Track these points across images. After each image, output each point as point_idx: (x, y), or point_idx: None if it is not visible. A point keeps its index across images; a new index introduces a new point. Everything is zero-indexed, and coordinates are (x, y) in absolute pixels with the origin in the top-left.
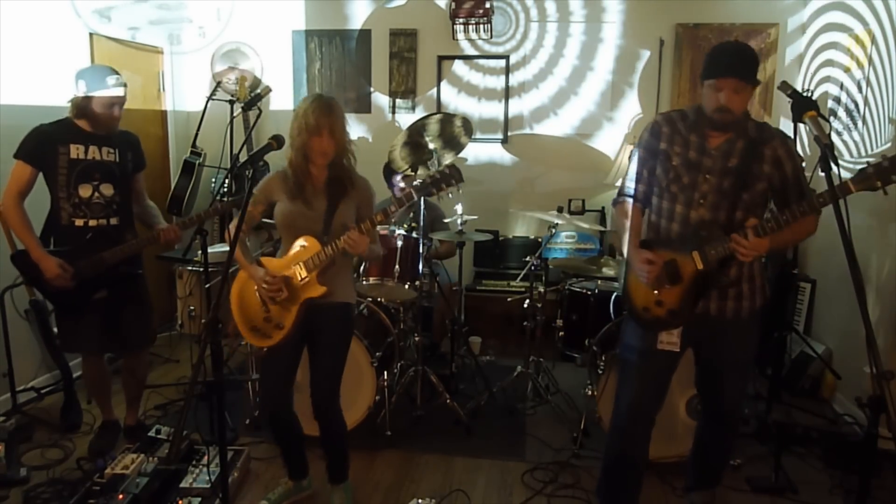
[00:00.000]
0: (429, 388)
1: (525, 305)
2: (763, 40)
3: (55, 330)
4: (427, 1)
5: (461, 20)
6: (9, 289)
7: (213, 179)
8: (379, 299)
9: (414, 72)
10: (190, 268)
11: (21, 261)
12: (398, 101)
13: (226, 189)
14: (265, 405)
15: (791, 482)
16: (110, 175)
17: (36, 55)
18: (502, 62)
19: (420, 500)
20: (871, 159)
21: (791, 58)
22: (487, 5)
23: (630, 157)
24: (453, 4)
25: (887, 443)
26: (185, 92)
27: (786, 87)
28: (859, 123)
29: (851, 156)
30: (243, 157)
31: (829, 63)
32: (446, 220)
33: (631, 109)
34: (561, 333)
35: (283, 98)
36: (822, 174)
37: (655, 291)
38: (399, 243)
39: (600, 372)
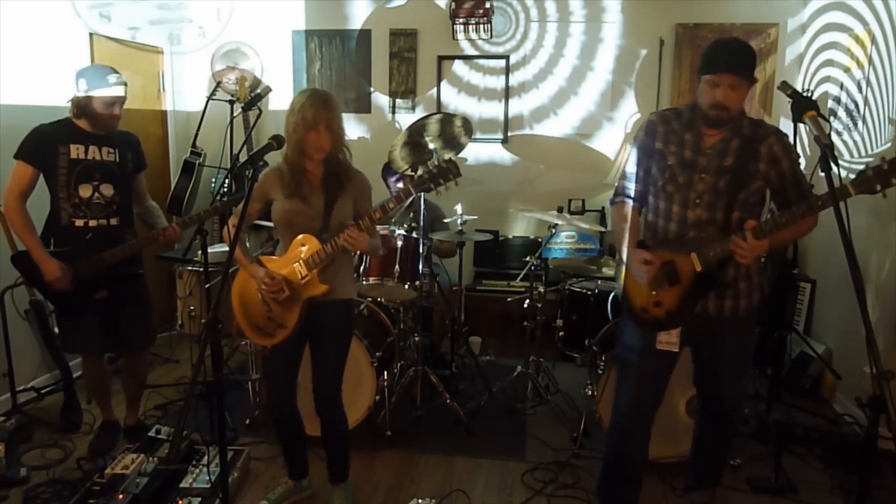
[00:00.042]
0: (429, 388)
1: (525, 305)
2: (763, 40)
3: (56, 330)
4: (427, 1)
5: (461, 20)
6: (9, 289)
7: (213, 179)
8: (379, 299)
9: (414, 72)
10: (190, 268)
11: (21, 262)
12: (398, 101)
13: (226, 189)
14: (271, 403)
15: (791, 482)
16: (110, 175)
17: (36, 55)
18: (502, 62)
19: (420, 500)
20: (870, 159)
21: (791, 58)
22: (487, 5)
23: (626, 157)
24: (453, 4)
25: (887, 443)
26: (185, 92)
27: (786, 87)
28: (859, 123)
29: (851, 156)
30: (243, 157)
31: (829, 63)
32: (446, 220)
33: (631, 109)
34: (561, 333)
35: (283, 98)
36: (822, 174)
37: (654, 292)
38: (399, 243)
39: (600, 372)
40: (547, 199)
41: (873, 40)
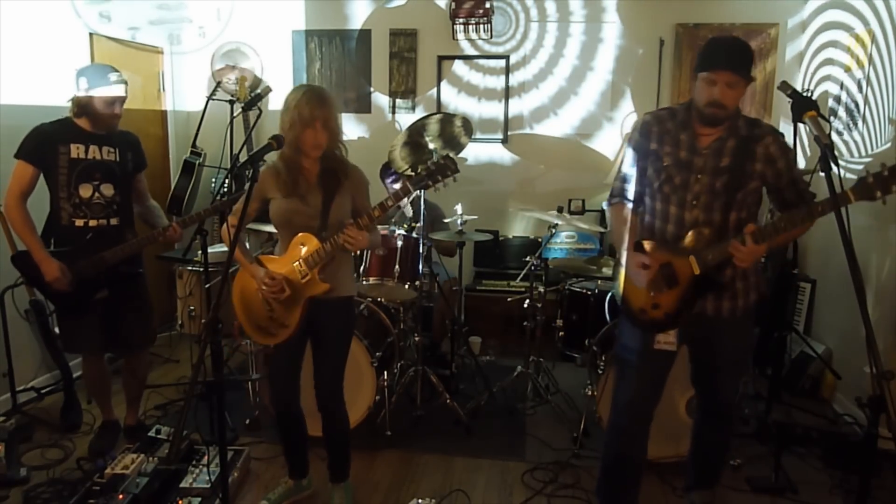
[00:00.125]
0: (429, 388)
1: (525, 305)
2: (763, 40)
3: (56, 330)
4: (427, 1)
5: (461, 20)
6: (9, 289)
7: (213, 179)
8: (379, 299)
9: (414, 72)
10: (190, 268)
11: (22, 262)
12: (398, 101)
13: (226, 189)
14: (275, 402)
15: (791, 482)
16: (111, 175)
17: (36, 55)
18: (502, 62)
19: (420, 500)
20: (870, 159)
21: (791, 58)
22: (487, 5)
23: (622, 157)
24: (453, 4)
25: (887, 443)
26: (185, 92)
27: (786, 86)
28: (859, 123)
29: (852, 156)
30: (243, 157)
31: (829, 62)
32: (446, 220)
33: (631, 109)
34: (561, 333)
35: (282, 98)
36: (822, 174)
37: (652, 294)
38: (399, 243)
39: (600, 372)
40: (547, 199)
41: (873, 39)
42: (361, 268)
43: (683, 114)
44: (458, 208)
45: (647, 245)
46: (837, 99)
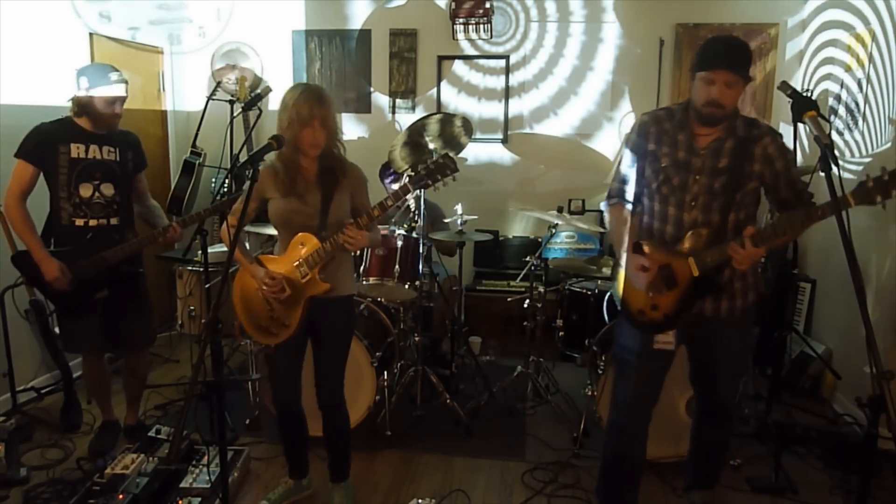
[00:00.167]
0: (429, 388)
1: (525, 305)
2: (763, 40)
3: (56, 330)
4: (427, 1)
5: (461, 20)
6: (9, 289)
7: (213, 179)
8: (379, 299)
9: (414, 72)
10: (190, 268)
11: (22, 261)
12: (398, 101)
13: (226, 189)
14: (277, 401)
15: (791, 482)
16: (111, 174)
17: (36, 55)
18: (502, 62)
19: (420, 500)
20: (870, 159)
21: (791, 57)
22: (487, 5)
23: (619, 158)
24: (453, 4)
25: (887, 443)
26: (185, 92)
27: (786, 86)
28: (860, 122)
29: (852, 155)
30: (243, 157)
31: (829, 61)
32: (446, 220)
33: (630, 109)
34: (561, 333)
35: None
36: (822, 174)
37: (650, 295)
38: (399, 243)
39: (600, 372)
40: (547, 199)
41: (874, 38)
42: (361, 268)
43: (681, 114)
44: (458, 208)
45: (645, 247)
46: (838, 98)
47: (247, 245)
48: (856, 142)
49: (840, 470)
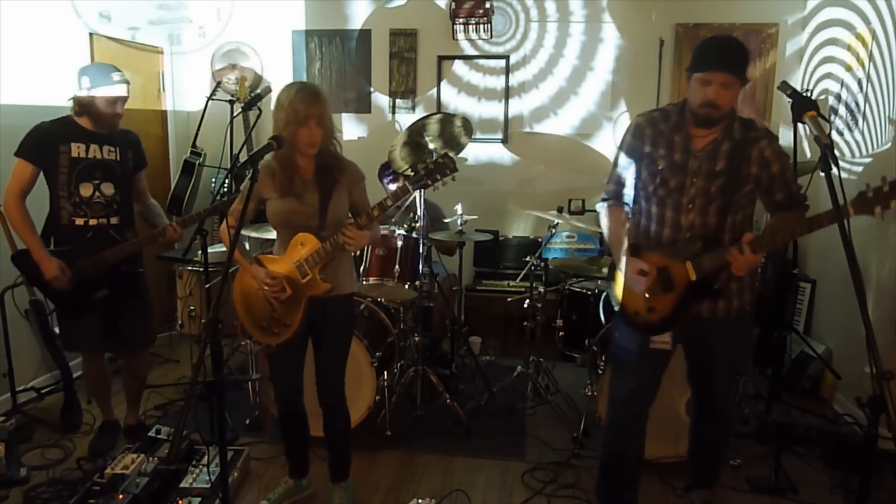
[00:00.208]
0: (429, 388)
1: (525, 305)
2: (763, 40)
3: (56, 330)
4: (427, 1)
5: (461, 20)
6: (9, 289)
7: (213, 179)
8: (379, 299)
9: (414, 72)
10: (190, 268)
11: (21, 260)
12: (398, 101)
13: (226, 189)
14: (280, 400)
15: (791, 482)
16: (111, 174)
17: (36, 55)
18: (502, 62)
19: (420, 500)
20: (870, 159)
21: (791, 58)
22: (487, 5)
23: (615, 159)
24: (453, 4)
25: (887, 443)
26: (185, 92)
27: (786, 86)
28: (860, 121)
29: (853, 156)
30: (243, 157)
31: (829, 60)
32: (446, 220)
33: (631, 110)
34: (561, 333)
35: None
36: (822, 174)
37: (647, 295)
38: (399, 243)
39: (600, 372)
40: (547, 199)
41: (874, 37)
42: (361, 268)
43: (677, 115)
44: (458, 208)
45: (643, 250)
46: (838, 97)
47: (246, 246)
48: (856, 141)
49: (840, 470)
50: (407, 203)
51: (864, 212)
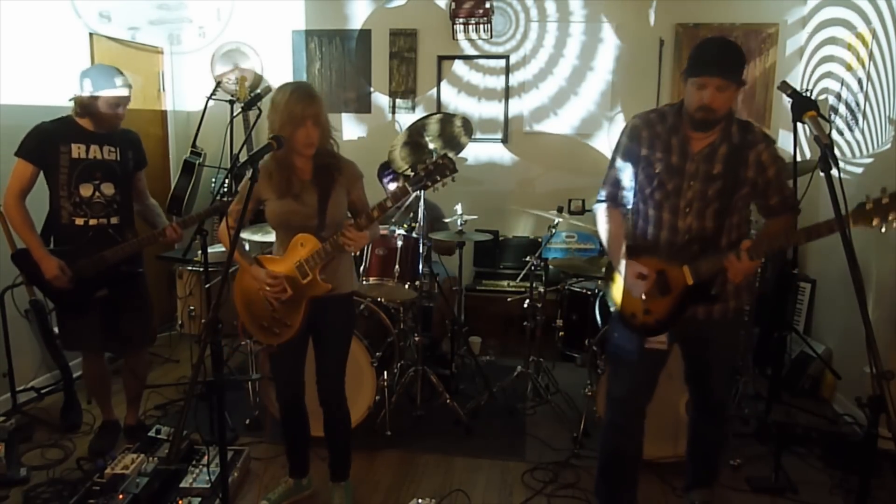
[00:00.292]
0: (429, 388)
1: (525, 305)
2: (763, 40)
3: (55, 329)
4: (427, 1)
5: (461, 20)
6: (9, 289)
7: (213, 179)
8: (379, 299)
9: (414, 72)
10: (190, 268)
11: (21, 259)
12: (398, 101)
13: (226, 189)
14: (281, 399)
15: (791, 482)
16: (111, 174)
17: (36, 55)
18: (502, 62)
19: (420, 500)
20: (871, 159)
21: (791, 58)
22: (487, 5)
23: (611, 161)
24: (453, 4)
25: (887, 443)
26: (185, 92)
27: (785, 86)
28: (860, 121)
29: (853, 155)
30: (243, 157)
31: (829, 61)
32: (446, 220)
33: (630, 109)
34: (561, 333)
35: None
36: (822, 174)
37: (643, 297)
38: (399, 243)
39: (600, 372)
40: (547, 199)
41: (874, 36)
42: (361, 268)
43: (674, 117)
44: (458, 208)
45: (641, 252)
46: (838, 96)
47: (246, 247)
48: (856, 141)
49: (840, 470)
50: (407, 203)
51: (863, 223)
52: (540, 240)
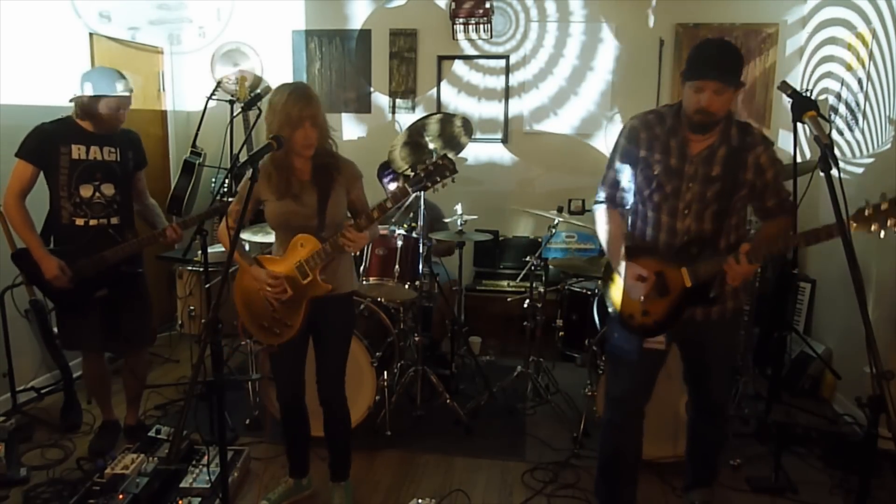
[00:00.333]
0: (429, 388)
1: (525, 305)
2: (763, 40)
3: (55, 329)
4: (427, 1)
5: (461, 20)
6: (9, 289)
7: (213, 179)
8: (379, 299)
9: (414, 72)
10: (190, 268)
11: (22, 259)
12: (398, 101)
13: (226, 189)
14: (282, 399)
15: (791, 482)
16: (111, 175)
17: (36, 55)
18: (502, 62)
19: (420, 500)
20: (871, 160)
21: (791, 57)
22: (487, 5)
23: (609, 162)
24: (453, 4)
25: (887, 443)
26: (185, 92)
27: (785, 86)
28: (860, 121)
29: (853, 155)
30: (243, 157)
31: (829, 60)
32: (446, 220)
33: (630, 109)
34: (561, 333)
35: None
36: (822, 174)
37: (641, 299)
38: (399, 243)
39: (600, 372)
40: (547, 199)
41: (874, 36)
42: (361, 268)
43: (672, 118)
44: (458, 208)
45: (639, 254)
46: (838, 96)
47: (246, 248)
48: (856, 141)
49: (840, 470)
50: (407, 202)
51: (862, 228)
52: (540, 240)
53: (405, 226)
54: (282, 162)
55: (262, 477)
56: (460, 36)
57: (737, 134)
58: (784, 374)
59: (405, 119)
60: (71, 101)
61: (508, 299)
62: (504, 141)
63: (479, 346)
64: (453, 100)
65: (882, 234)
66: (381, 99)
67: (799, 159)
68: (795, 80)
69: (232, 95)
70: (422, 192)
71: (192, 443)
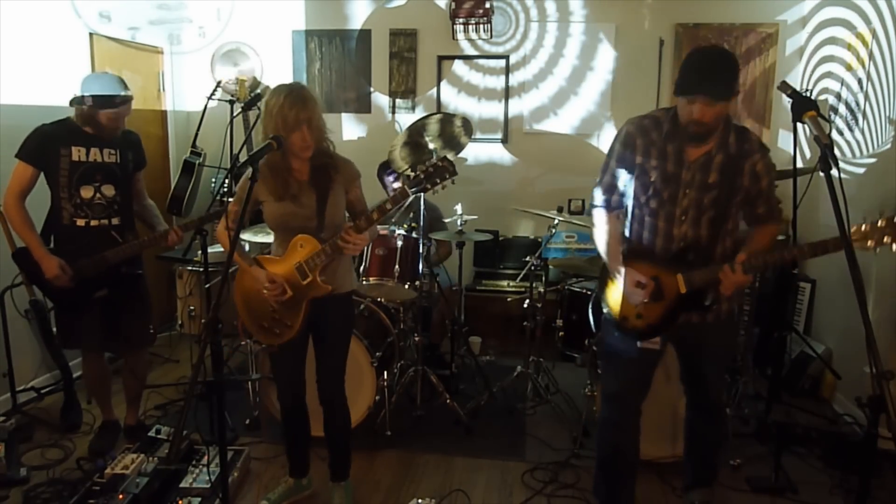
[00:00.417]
0: (429, 388)
1: (525, 305)
2: (763, 39)
3: (54, 329)
4: (427, 1)
5: (461, 20)
6: (9, 289)
7: (213, 179)
8: (379, 299)
9: (414, 72)
10: (190, 268)
11: (22, 258)
12: (398, 101)
13: (226, 189)
14: (282, 398)
15: (791, 482)
16: (112, 176)
17: (36, 55)
18: (502, 62)
19: (420, 500)
20: (872, 160)
21: (791, 57)
22: (487, 5)
23: (604, 166)
24: (453, 4)
25: (887, 443)
26: (185, 92)
27: (785, 86)
28: (860, 121)
29: (853, 155)
30: (243, 157)
31: (829, 60)
32: (446, 221)
33: (630, 110)
34: (561, 333)
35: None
36: (822, 174)
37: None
38: (399, 243)
39: (600, 372)
40: (547, 199)
41: (874, 36)
42: (361, 268)
43: (669, 124)
44: (458, 208)
45: (635, 258)
46: (838, 96)
47: (246, 248)
48: (856, 141)
49: (840, 470)
50: (407, 203)
51: (858, 244)
52: (540, 240)
53: (405, 226)
54: (280, 164)
55: (262, 477)
56: (460, 36)
57: (735, 141)
58: (784, 374)
59: (405, 119)
60: (71, 104)
61: (508, 299)
62: (504, 141)
63: (479, 346)
64: (453, 100)
65: (878, 250)
66: (381, 99)
67: (799, 159)
68: (795, 80)
69: (232, 95)
70: (422, 193)
71: (192, 443)
